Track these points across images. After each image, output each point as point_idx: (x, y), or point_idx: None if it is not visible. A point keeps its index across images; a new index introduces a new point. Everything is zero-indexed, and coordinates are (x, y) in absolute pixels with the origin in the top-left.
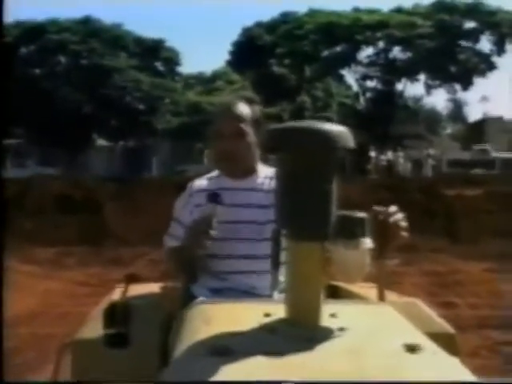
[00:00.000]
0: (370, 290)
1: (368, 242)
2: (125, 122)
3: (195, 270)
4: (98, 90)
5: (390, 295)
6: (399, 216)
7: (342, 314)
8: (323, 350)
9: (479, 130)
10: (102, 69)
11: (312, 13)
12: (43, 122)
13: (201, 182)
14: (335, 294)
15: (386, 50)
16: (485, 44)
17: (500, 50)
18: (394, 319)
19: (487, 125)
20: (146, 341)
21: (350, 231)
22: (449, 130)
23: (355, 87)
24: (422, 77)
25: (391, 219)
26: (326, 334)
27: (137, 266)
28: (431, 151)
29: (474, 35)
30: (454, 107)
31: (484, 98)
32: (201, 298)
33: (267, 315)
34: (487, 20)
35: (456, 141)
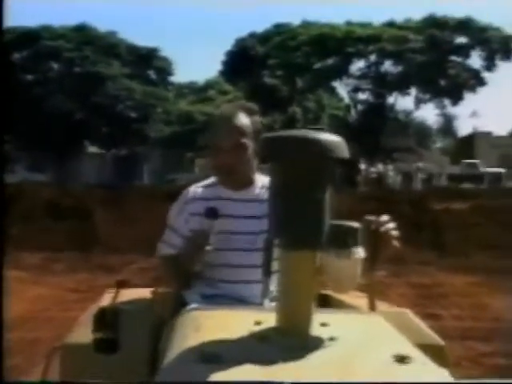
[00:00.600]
0: (360, 300)
1: (360, 252)
2: (116, 130)
3: (189, 278)
4: (91, 98)
5: (381, 305)
6: (391, 225)
7: (332, 323)
8: (313, 359)
9: (469, 145)
10: (95, 76)
11: (305, 25)
12: (34, 128)
13: (196, 190)
14: (326, 303)
15: (378, 63)
16: (475, 59)
17: (490, 65)
18: (385, 329)
19: (476, 140)
20: (136, 346)
21: (342, 240)
22: (439, 144)
23: (347, 99)
24: (412, 91)
25: (383, 228)
26: (316, 344)
27: (126, 273)
28: (421, 165)
29: (464, 51)
30: (445, 121)
31: (474, 114)
32: (192, 305)
33: (258, 323)
34: (478, 36)
35: (446, 155)
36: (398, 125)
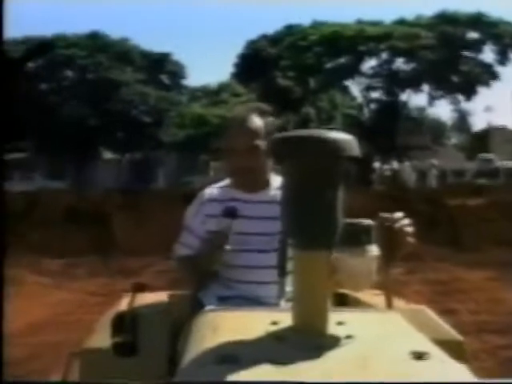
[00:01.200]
0: (377, 298)
1: (374, 250)
2: (131, 135)
3: (205, 279)
4: (105, 104)
5: (398, 303)
6: (406, 222)
7: (349, 321)
8: (331, 357)
9: (483, 140)
10: (109, 83)
11: (316, 25)
12: (50, 136)
13: (212, 191)
14: (343, 302)
15: (390, 61)
16: (487, 54)
17: (503, 60)
18: (402, 327)
19: (491, 134)
20: (154, 349)
21: (356, 239)
22: (454, 140)
23: (359, 98)
24: (425, 88)
25: (397, 225)
26: (333, 342)
27: (145, 277)
28: (434, 161)
29: (476, 46)
30: (459, 117)
31: (488, 108)
32: (208, 307)
33: (274, 323)
34: (489, 31)
35: (461, 151)
36: (411, 122)
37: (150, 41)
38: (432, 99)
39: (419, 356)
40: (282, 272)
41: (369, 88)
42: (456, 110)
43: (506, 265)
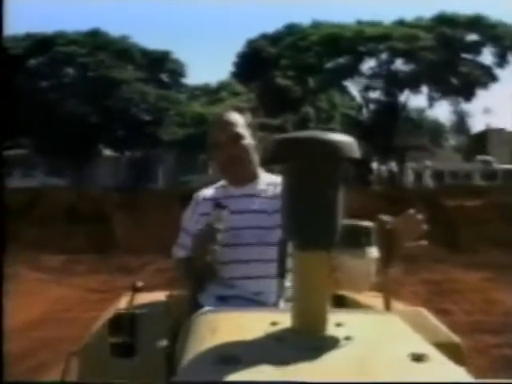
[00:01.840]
0: (375, 300)
1: (374, 251)
2: (131, 133)
3: (203, 280)
4: (105, 102)
5: (396, 304)
6: (419, 219)
7: (348, 323)
8: (329, 358)
9: (481, 142)
10: (109, 81)
11: (316, 25)
12: (50, 133)
13: (206, 191)
14: (341, 303)
15: (389, 62)
16: (486, 56)
17: (502, 62)
18: (401, 328)
19: (489, 136)
20: (153, 350)
21: (355, 240)
22: (452, 142)
23: (358, 98)
24: (424, 89)
25: (412, 221)
26: (332, 343)
27: (144, 274)
28: (428, 163)
29: (475, 48)
30: (458, 119)
31: (486, 110)
32: (207, 308)
33: (274, 324)
34: (489, 33)
35: (459, 152)
36: (410, 123)
37: (150, 39)
38: (431, 100)
39: (418, 358)
40: (282, 273)
41: (368, 88)
42: (455, 111)
43: (502, 266)
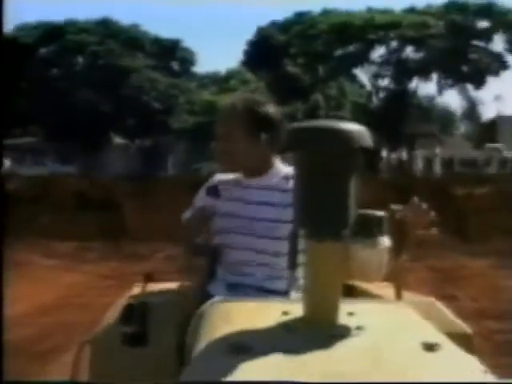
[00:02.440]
0: (385, 289)
1: (386, 241)
2: (141, 121)
3: (213, 269)
4: (116, 90)
5: (406, 294)
6: (424, 209)
7: (359, 312)
8: (341, 348)
9: (492, 129)
10: (120, 69)
11: (325, 13)
12: (61, 121)
13: (222, 176)
14: (351, 293)
15: (399, 50)
16: (497, 44)
17: None
18: (412, 318)
19: (500, 124)
20: (164, 340)
21: (368, 230)
22: (462, 130)
23: (368, 86)
24: (434, 76)
25: (414, 214)
26: (343, 333)
27: (153, 261)
28: (438, 150)
29: (486, 35)
30: (468, 106)
31: (497, 97)
32: (218, 297)
33: (285, 314)
34: (499, 20)
35: (469, 140)
36: (420, 111)
37: (159, 27)
38: (441, 88)
39: (430, 347)
40: (293, 262)
41: (377, 76)
42: (465, 99)
43: (510, 254)
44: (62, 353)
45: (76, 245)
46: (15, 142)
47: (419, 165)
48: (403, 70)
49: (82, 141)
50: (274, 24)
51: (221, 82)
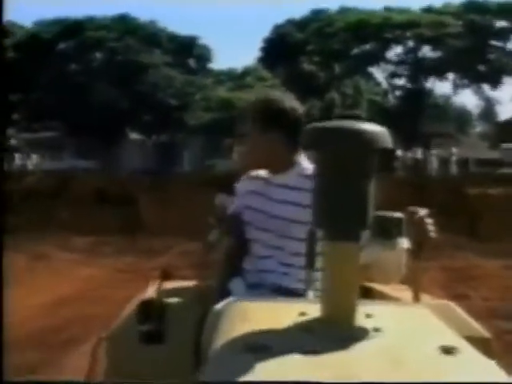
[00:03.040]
0: (402, 292)
1: (404, 243)
2: (157, 117)
3: (235, 267)
4: (133, 86)
5: (423, 297)
6: (424, 214)
7: (377, 314)
8: (359, 349)
9: (508, 130)
10: (137, 65)
11: (343, 11)
12: (79, 116)
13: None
14: (368, 295)
15: (416, 49)
16: None
17: None
18: (431, 321)
19: None
20: (181, 338)
21: (386, 231)
22: (479, 129)
23: (384, 85)
24: (450, 76)
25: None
26: (361, 334)
27: (168, 256)
28: (454, 150)
29: (504, 35)
30: (485, 106)
31: None
32: (235, 297)
33: (302, 314)
34: None
35: (485, 140)
36: (436, 110)
37: (177, 24)
38: (457, 87)
39: (448, 351)
40: (310, 262)
41: (394, 75)
42: (482, 98)
43: None
44: (78, 344)
45: (94, 239)
46: (36, 136)
47: (434, 164)
48: (419, 69)
49: (99, 136)
50: (290, 21)
51: (237, 78)
